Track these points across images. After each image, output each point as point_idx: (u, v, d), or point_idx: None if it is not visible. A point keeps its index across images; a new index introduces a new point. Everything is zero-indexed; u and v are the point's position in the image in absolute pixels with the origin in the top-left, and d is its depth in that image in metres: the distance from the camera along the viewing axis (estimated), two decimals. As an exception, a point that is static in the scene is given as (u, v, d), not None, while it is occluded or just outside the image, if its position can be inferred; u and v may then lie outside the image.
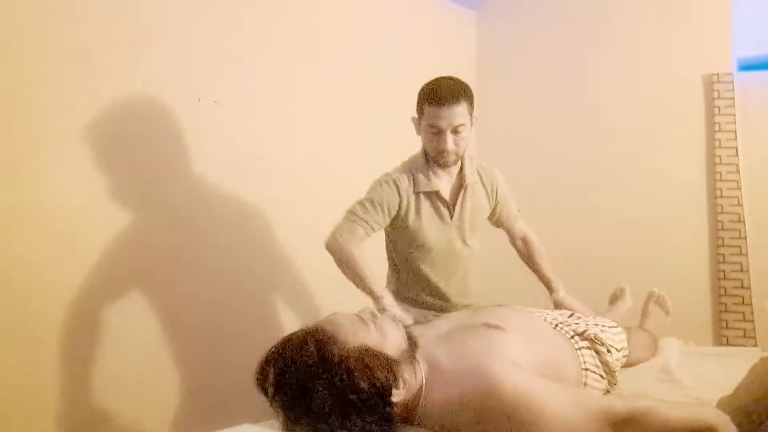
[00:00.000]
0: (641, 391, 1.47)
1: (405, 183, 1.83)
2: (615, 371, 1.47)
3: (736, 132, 2.63)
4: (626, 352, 1.56)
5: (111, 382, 1.79)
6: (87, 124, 1.76)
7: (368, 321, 1.18)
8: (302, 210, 2.35)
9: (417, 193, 1.83)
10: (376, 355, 1.11)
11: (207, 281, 2.05)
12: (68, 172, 1.72)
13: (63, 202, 1.71)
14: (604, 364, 1.44)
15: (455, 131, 1.74)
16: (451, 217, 1.85)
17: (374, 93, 2.67)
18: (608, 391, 1.48)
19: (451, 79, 1.80)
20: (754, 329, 2.55)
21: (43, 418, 1.64)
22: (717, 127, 2.66)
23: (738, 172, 2.63)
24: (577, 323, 1.48)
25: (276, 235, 2.26)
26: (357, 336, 1.13)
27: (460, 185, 1.88)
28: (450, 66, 3.12)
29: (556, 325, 1.45)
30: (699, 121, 2.71)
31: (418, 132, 1.84)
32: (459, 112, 1.72)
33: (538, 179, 2.88)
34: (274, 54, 2.27)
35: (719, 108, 2.66)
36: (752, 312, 2.56)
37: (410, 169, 1.86)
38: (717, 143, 2.66)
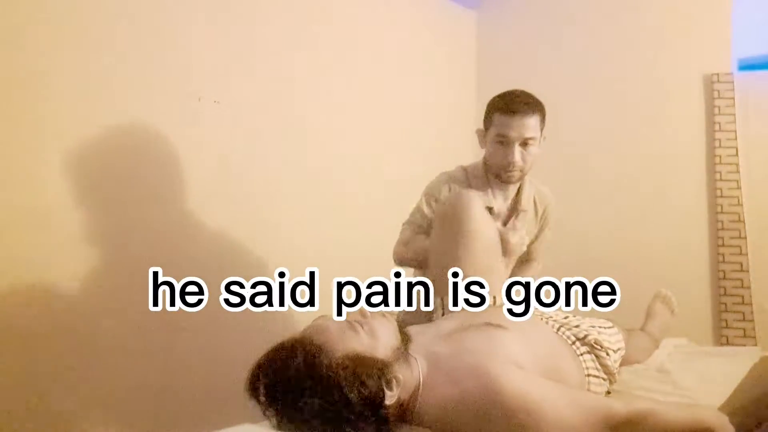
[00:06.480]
0: (639, 391, 1.47)
1: (459, 188, 1.77)
2: (614, 373, 1.48)
3: (736, 132, 2.63)
4: (623, 353, 1.56)
5: (111, 381, 1.79)
6: (85, 124, 1.76)
7: (356, 324, 1.16)
8: (303, 209, 2.35)
9: None
10: (365, 361, 1.09)
11: (207, 280, 2.05)
12: (67, 171, 1.72)
13: (64, 200, 1.71)
14: (604, 366, 1.44)
15: (524, 144, 1.67)
16: None
17: (374, 93, 2.68)
18: (608, 392, 1.49)
19: (524, 91, 1.74)
20: (754, 329, 2.55)
21: (42, 418, 1.64)
22: (717, 127, 2.66)
23: (738, 172, 2.63)
24: (577, 327, 1.48)
25: (277, 234, 2.26)
26: (345, 343, 1.11)
27: (513, 209, 1.80)
28: (450, 66, 3.14)
29: (558, 329, 1.45)
30: (699, 121, 2.71)
31: (482, 145, 1.78)
32: (531, 123, 1.65)
33: (538, 178, 2.87)
34: (274, 54, 2.27)
35: (719, 108, 2.66)
36: (752, 312, 2.56)
37: (468, 177, 1.80)
38: (717, 143, 2.66)
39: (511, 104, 1.66)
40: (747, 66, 2.71)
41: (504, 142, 1.68)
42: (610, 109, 2.91)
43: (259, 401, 1.12)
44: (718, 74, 2.66)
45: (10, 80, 1.61)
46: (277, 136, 2.28)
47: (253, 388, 1.12)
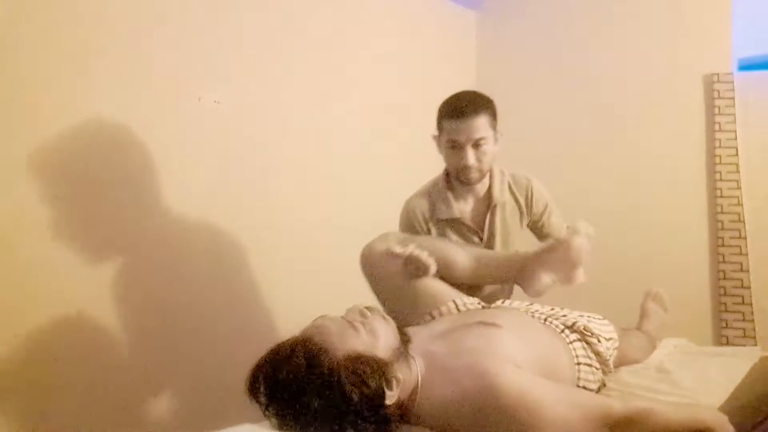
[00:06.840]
0: (639, 390, 1.47)
1: (420, 212, 1.76)
2: (608, 360, 1.47)
3: (736, 132, 2.63)
4: (616, 344, 1.55)
5: (111, 381, 1.79)
6: (85, 124, 1.76)
7: (357, 324, 1.16)
8: (302, 210, 2.35)
9: (439, 220, 1.76)
10: (366, 361, 1.09)
11: (206, 280, 2.05)
12: (65, 172, 1.73)
13: (62, 201, 1.71)
14: (597, 354, 1.44)
15: (476, 145, 1.66)
16: (481, 240, 1.78)
17: (374, 93, 2.68)
18: (604, 385, 1.48)
19: (470, 92, 1.74)
20: (754, 329, 2.55)
21: (39, 418, 1.64)
22: (717, 127, 2.66)
23: (738, 172, 2.62)
24: (565, 316, 1.48)
25: (275, 235, 2.26)
26: (346, 343, 1.11)
27: (488, 205, 1.78)
28: (450, 66, 3.14)
29: (545, 320, 1.45)
30: (699, 121, 2.71)
31: (440, 151, 1.77)
32: (479, 124, 1.65)
33: (538, 179, 2.89)
34: (274, 54, 2.27)
35: (719, 108, 2.66)
36: (752, 312, 2.56)
37: (430, 193, 1.79)
38: (717, 143, 2.66)
39: (456, 108, 1.66)
40: (747, 66, 2.71)
41: (456, 146, 1.68)
42: (610, 109, 2.91)
43: (259, 401, 1.12)
44: (718, 74, 2.66)
45: (9, 81, 1.61)
46: (277, 136, 2.28)
47: (253, 388, 1.12)
